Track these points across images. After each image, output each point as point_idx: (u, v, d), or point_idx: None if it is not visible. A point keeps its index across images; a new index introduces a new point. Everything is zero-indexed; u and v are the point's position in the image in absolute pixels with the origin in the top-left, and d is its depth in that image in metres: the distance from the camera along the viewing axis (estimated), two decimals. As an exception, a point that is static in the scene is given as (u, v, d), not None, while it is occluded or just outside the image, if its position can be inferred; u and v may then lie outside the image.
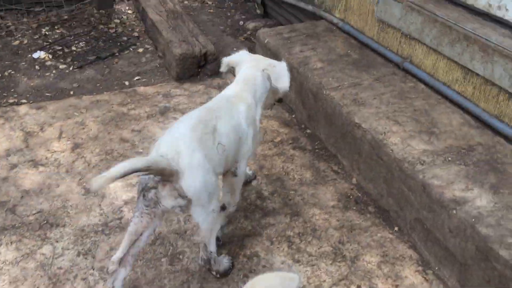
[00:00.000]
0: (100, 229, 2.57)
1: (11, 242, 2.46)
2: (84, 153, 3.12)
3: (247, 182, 2.89)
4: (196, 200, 1.98)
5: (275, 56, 3.62)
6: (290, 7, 4.84)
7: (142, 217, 2.03)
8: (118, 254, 2.06)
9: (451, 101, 2.95)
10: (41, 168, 2.97)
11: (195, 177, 1.95)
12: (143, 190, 2.00)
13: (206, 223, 2.09)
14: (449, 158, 2.51)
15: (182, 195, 1.95)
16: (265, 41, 3.86)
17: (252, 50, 4.50)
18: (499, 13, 2.77)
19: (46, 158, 3.06)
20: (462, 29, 2.80)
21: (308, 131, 3.39)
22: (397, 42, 3.37)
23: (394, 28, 3.35)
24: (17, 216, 2.62)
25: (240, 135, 2.25)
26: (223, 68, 2.62)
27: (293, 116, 3.55)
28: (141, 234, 2.05)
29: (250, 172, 2.91)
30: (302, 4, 4.49)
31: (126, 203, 2.74)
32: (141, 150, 3.15)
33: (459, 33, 2.81)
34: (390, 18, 3.36)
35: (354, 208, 2.76)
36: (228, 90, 2.42)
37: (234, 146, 2.21)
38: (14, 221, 2.59)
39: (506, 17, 2.72)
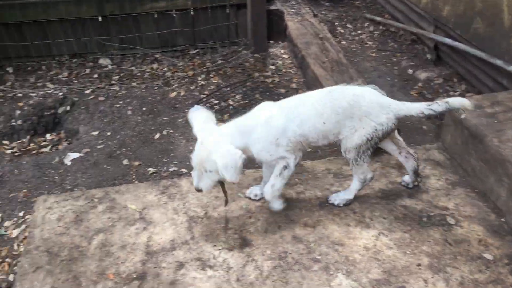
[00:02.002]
0: None
1: None
2: (254, 255, 2.74)
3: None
4: None
5: (479, 141, 2.96)
6: (474, 58, 4.10)
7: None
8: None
9: None
10: (209, 272, 2.64)
11: None
12: None
13: None
14: None
15: None
16: (461, 117, 3.20)
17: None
18: None
19: (214, 257, 2.73)
20: None
21: (528, 245, 2.70)
22: None
23: None
24: None
25: None
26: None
27: (503, 220, 2.87)
28: None
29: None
30: (499, 62, 3.74)
31: (309, 338, 2.30)
32: (319, 257, 2.70)
33: None
34: None
35: None
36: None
37: None
38: None
39: None
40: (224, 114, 4.13)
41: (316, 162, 3.45)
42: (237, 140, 2.64)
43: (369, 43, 5.24)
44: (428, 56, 4.82)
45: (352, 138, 2.74)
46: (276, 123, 2.67)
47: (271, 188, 2.84)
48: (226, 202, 2.89)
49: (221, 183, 2.76)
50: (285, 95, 4.33)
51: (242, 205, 3.09)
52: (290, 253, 2.74)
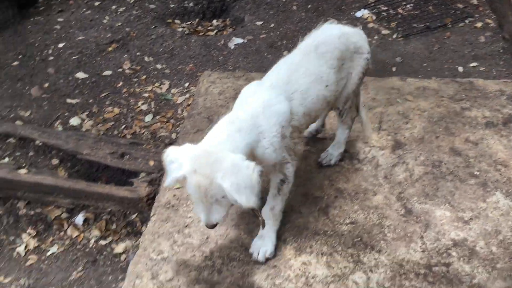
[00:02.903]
0: (422, 271, 2.12)
1: (322, 254, 2.21)
2: (406, 158, 2.65)
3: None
4: None
5: None
6: None
7: None
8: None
9: None
10: (357, 165, 2.63)
11: None
12: None
13: None
14: None
15: None
16: None
17: None
18: None
19: (364, 152, 2.70)
20: None
21: None
22: None
23: None
24: (329, 221, 2.36)
25: None
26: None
27: None
28: None
29: None
30: None
31: (455, 244, 2.21)
32: (477, 172, 2.53)
33: None
34: None
35: None
36: None
37: None
38: (326, 226, 2.33)
39: None
40: (391, 22, 3.92)
41: (489, 81, 3.16)
42: (239, 142, 1.91)
43: None
44: None
45: (351, 83, 2.34)
46: (279, 108, 2.04)
47: (270, 212, 2.20)
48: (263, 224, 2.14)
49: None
50: (462, 11, 3.95)
51: (398, 110, 2.97)
52: (445, 163, 2.61)
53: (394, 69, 3.41)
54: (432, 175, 2.55)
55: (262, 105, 2.01)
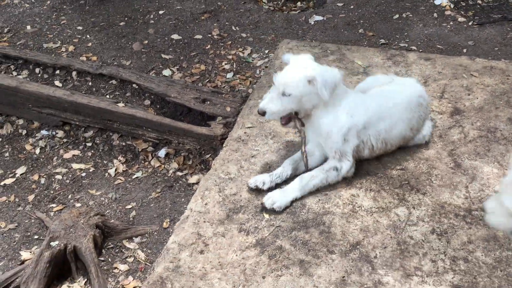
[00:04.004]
0: (461, 213, 2.30)
1: (370, 190, 2.45)
2: (462, 122, 2.82)
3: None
4: None
5: None
6: None
7: None
8: None
9: None
10: (415, 124, 2.84)
11: None
12: None
13: None
14: None
15: None
16: None
17: None
18: None
19: (423, 115, 2.90)
20: None
21: None
22: None
23: None
24: (381, 165, 2.59)
25: None
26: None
27: None
28: None
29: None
30: None
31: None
32: (533, 141, 2.65)
33: None
34: None
35: None
36: None
37: None
38: (378, 169, 2.57)
39: None
40: (468, 11, 4.04)
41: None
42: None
43: None
44: None
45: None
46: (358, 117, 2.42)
47: (309, 177, 2.40)
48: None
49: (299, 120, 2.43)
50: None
51: (463, 83, 3.13)
52: (500, 130, 2.74)
53: (464, 50, 3.55)
54: (486, 139, 2.70)
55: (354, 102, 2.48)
